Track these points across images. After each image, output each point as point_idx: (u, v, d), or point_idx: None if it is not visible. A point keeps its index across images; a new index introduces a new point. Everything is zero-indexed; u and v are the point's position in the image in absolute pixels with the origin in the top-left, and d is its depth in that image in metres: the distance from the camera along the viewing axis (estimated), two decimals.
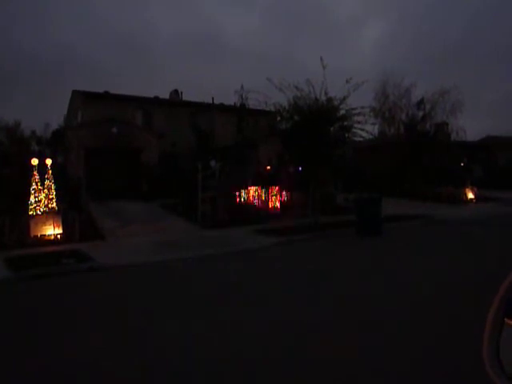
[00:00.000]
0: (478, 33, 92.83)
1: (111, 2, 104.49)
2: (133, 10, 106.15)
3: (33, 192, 11.02)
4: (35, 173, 11.13)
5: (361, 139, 14.09)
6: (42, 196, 11.10)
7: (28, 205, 10.96)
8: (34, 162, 11.13)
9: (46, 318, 5.37)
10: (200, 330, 4.72)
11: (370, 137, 15.34)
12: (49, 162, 11.37)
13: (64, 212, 11.48)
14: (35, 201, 10.99)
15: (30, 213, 10.85)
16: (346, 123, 13.11)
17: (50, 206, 11.18)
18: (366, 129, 13.36)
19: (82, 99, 24.24)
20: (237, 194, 15.47)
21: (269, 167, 20.53)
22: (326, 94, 12.63)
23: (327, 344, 4.18)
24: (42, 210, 11.00)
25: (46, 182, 11.25)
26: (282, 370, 3.69)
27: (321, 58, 12.40)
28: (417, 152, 23.26)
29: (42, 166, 11.33)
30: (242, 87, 17.49)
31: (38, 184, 11.10)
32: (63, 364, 3.94)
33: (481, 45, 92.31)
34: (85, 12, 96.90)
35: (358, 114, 12.82)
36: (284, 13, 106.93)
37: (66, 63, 75.45)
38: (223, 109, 27.60)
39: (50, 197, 11.24)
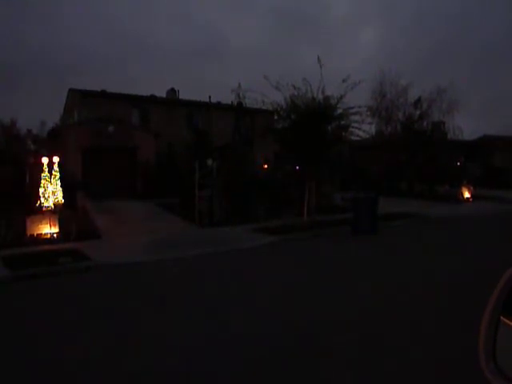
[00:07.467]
0: (474, 32, 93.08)
1: (108, 1, 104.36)
2: (131, 10, 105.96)
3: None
4: (35, 171, 11.11)
5: (358, 138, 14.08)
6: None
7: (24, 204, 10.92)
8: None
9: (44, 318, 5.35)
10: (201, 330, 4.72)
11: (367, 136, 15.32)
12: (45, 160, 11.32)
13: (60, 211, 11.43)
14: (36, 198, 10.98)
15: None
16: (343, 122, 13.08)
17: (45, 204, 11.13)
18: (363, 128, 13.35)
19: (79, 98, 24.13)
20: (234, 193, 15.40)
21: (266, 166, 20.53)
22: (323, 92, 12.60)
23: None
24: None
25: (43, 182, 11.21)
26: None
27: (318, 58, 12.36)
28: (414, 151, 23.30)
29: (37, 165, 11.29)
30: (239, 85, 17.44)
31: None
32: (63, 364, 3.93)
33: (477, 44, 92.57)
34: (83, 12, 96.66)
35: (355, 113, 12.79)
36: (283, 12, 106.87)
37: (64, 62, 75.27)
38: (220, 107, 27.55)
39: (47, 195, 11.19)
